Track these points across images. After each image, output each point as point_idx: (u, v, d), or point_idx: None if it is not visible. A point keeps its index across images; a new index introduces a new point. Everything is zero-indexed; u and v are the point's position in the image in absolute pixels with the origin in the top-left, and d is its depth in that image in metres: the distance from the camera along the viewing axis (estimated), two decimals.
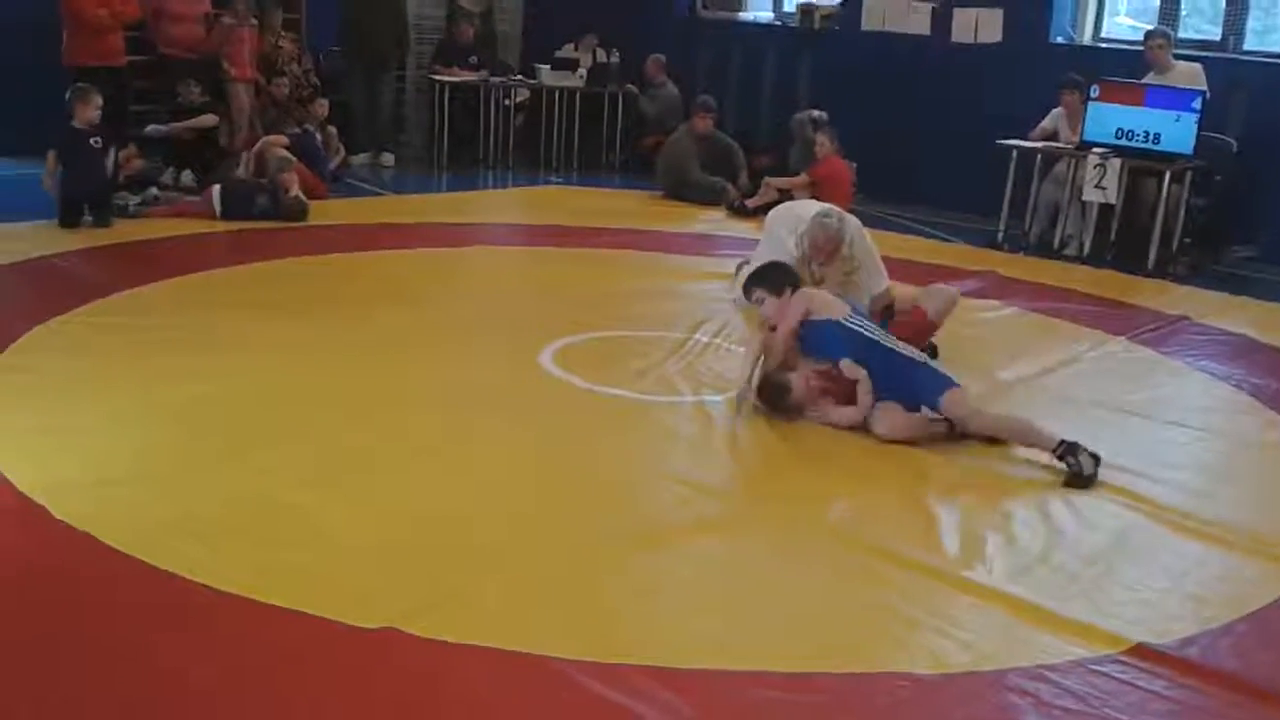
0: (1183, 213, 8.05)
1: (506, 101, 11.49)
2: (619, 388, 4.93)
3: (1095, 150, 8.13)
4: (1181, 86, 8.04)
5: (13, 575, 3.15)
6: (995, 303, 6.89)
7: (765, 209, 7.61)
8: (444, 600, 3.09)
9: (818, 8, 10.84)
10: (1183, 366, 5.87)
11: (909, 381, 4.53)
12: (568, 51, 11.80)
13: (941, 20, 9.98)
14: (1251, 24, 8.92)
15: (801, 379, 4.65)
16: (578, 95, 11.44)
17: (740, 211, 9.19)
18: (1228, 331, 6.53)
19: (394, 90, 11.23)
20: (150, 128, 9.04)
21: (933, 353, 5.38)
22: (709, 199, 9.61)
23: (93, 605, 3.02)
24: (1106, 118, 8.15)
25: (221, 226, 7.62)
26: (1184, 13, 9.29)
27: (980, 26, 9.81)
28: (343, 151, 10.01)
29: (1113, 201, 8.08)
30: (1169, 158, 7.91)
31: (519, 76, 11.69)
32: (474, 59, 11.26)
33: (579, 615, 3.13)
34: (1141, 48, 8.51)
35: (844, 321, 4.67)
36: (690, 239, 8.39)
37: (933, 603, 3.28)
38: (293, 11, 10.60)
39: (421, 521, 3.60)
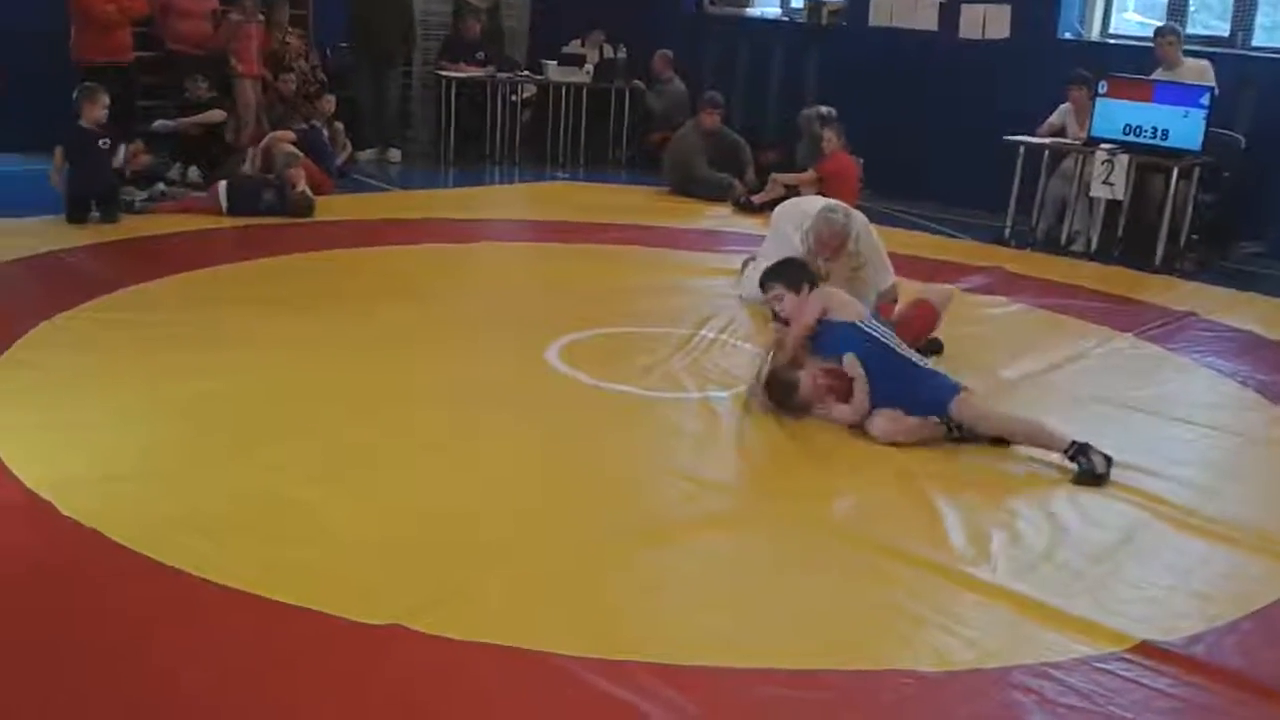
0: (1190, 209, 8.05)
1: (513, 97, 11.48)
2: (625, 384, 4.93)
3: (1103, 146, 8.12)
4: (1190, 83, 8.02)
5: (20, 571, 3.15)
6: (1002, 299, 6.88)
7: (772, 205, 7.60)
8: (449, 597, 3.09)
9: (825, 3, 10.82)
10: (1189, 363, 5.86)
11: (918, 389, 4.47)
12: (574, 47, 11.81)
13: (949, 16, 9.97)
14: (1260, 20, 8.89)
15: (809, 377, 4.63)
16: (584, 91, 11.44)
17: (747, 207, 9.18)
18: (1235, 328, 6.51)
19: (400, 86, 11.23)
20: (157, 123, 9.05)
21: (939, 348, 5.38)
22: (715, 195, 9.59)
23: (99, 601, 3.02)
24: (1114, 114, 8.14)
25: (228, 222, 7.62)
26: (1192, 8, 9.27)
27: (988, 22, 9.80)
28: (349, 147, 10.01)
29: (1120, 198, 8.06)
30: (1177, 154, 7.89)
31: (526, 72, 11.68)
32: (481, 55, 11.26)
33: (584, 612, 3.13)
34: (1149, 44, 8.50)
35: (860, 324, 4.64)
36: (697, 235, 8.38)
37: (938, 600, 3.28)
38: (300, 7, 10.61)
39: (427, 518, 3.61)
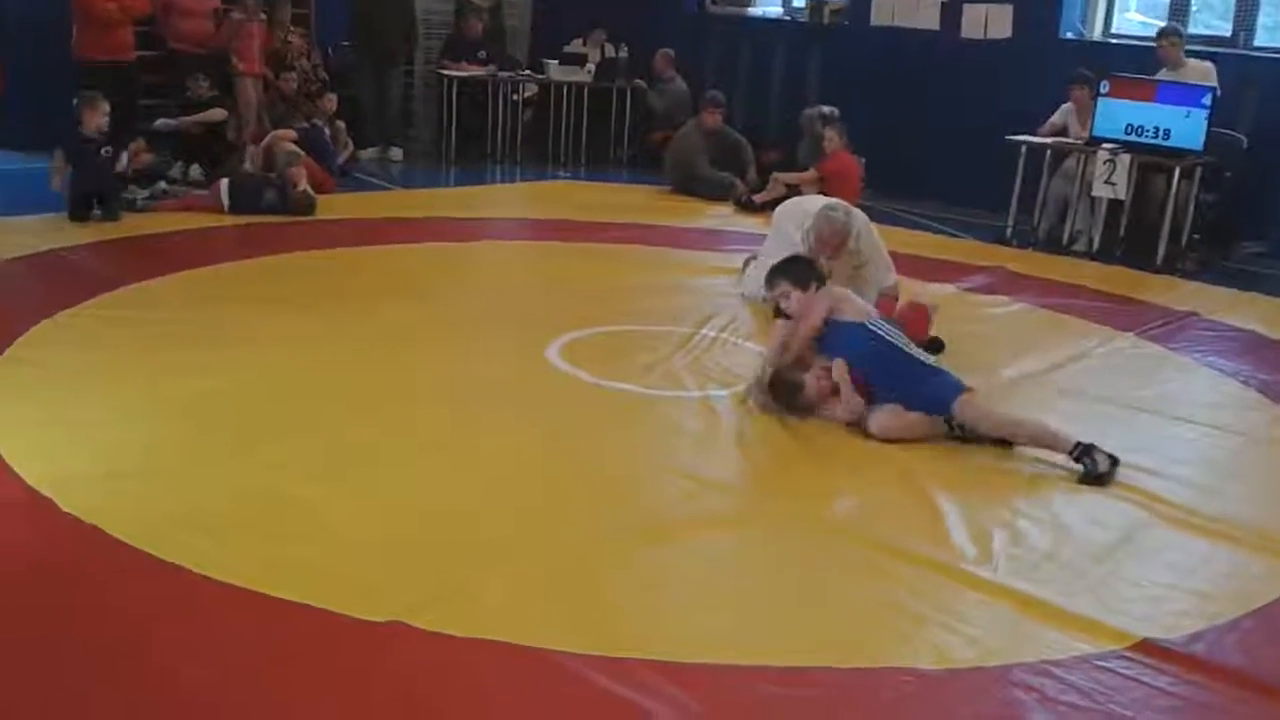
0: (1192, 209, 8.05)
1: (515, 96, 11.48)
2: (626, 382, 4.93)
3: (1105, 146, 8.11)
4: (1192, 83, 8.02)
5: (20, 568, 3.16)
6: (1004, 298, 6.88)
7: (773, 204, 7.60)
8: (450, 594, 3.09)
9: (827, 3, 10.81)
10: (1191, 362, 5.85)
11: (923, 388, 4.46)
12: (576, 46, 11.81)
13: (951, 15, 9.96)
14: (1262, 20, 8.89)
15: (813, 377, 4.61)
16: (586, 90, 11.44)
17: (748, 207, 9.18)
18: (1236, 328, 6.51)
19: (402, 85, 11.23)
20: (159, 122, 9.06)
21: (940, 348, 5.38)
22: (717, 194, 9.59)
23: (100, 598, 3.02)
24: (1116, 113, 8.13)
25: (229, 221, 7.63)
26: (1194, 8, 9.26)
27: (990, 22, 9.79)
28: (351, 146, 10.02)
29: (1122, 197, 8.06)
30: (1179, 153, 7.88)
31: (527, 71, 11.69)
32: (482, 54, 11.27)
33: (585, 609, 3.13)
34: (1151, 44, 8.49)
35: (867, 324, 4.63)
36: (698, 234, 8.38)
37: (939, 598, 3.28)
38: (301, 6, 10.62)
39: (428, 516, 3.61)
